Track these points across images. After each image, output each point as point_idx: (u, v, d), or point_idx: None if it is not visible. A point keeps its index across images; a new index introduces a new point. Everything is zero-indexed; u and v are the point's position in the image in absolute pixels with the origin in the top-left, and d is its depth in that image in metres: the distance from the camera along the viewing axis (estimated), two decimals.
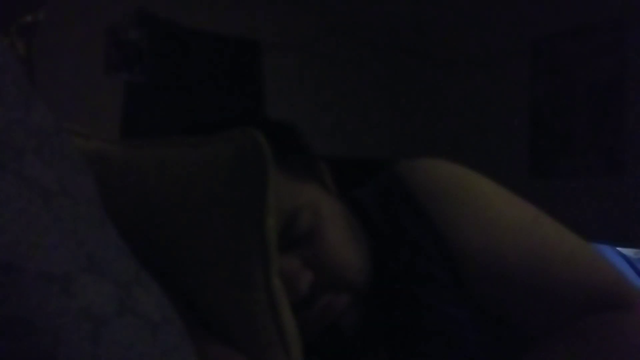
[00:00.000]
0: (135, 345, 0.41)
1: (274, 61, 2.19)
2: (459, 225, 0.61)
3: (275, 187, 0.51)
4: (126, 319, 0.42)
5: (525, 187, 0.66)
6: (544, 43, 1.86)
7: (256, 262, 0.51)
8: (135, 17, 1.91)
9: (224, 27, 2.09)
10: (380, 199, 0.66)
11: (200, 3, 2.04)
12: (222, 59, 2.15)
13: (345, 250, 0.60)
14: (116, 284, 0.42)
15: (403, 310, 0.60)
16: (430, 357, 0.59)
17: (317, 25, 2.26)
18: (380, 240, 0.64)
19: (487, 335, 0.60)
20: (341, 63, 2.35)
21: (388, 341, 0.61)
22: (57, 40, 1.69)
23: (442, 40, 2.22)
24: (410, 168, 0.66)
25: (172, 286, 0.52)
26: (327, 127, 2.24)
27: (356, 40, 2.34)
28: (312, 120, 2.13)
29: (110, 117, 1.86)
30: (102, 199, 0.48)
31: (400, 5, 2.11)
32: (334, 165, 0.69)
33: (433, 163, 0.67)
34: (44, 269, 0.38)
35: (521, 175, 1.89)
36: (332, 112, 2.32)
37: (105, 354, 0.39)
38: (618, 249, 1.89)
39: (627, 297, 0.57)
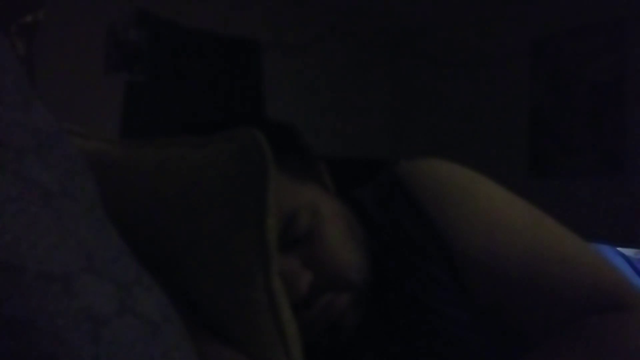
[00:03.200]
0: (135, 345, 0.41)
1: (274, 61, 2.19)
2: (459, 225, 0.61)
3: (275, 188, 0.51)
4: (126, 319, 0.42)
5: (525, 187, 0.66)
6: (544, 43, 1.85)
7: (256, 262, 0.51)
8: (135, 17, 1.91)
9: (224, 27, 2.09)
10: (380, 199, 0.66)
11: (200, 3, 2.04)
12: (222, 59, 2.14)
13: (344, 250, 0.60)
14: (116, 284, 0.42)
15: (402, 310, 0.60)
16: (430, 358, 0.59)
17: (317, 25, 2.26)
18: (380, 240, 0.64)
19: (487, 336, 0.60)
20: (341, 63, 2.35)
21: (388, 341, 0.61)
22: (57, 40, 1.69)
23: (442, 40, 2.22)
24: (410, 168, 0.66)
25: (173, 286, 0.52)
26: (327, 127, 2.24)
27: (356, 40, 2.34)
28: (312, 120, 2.13)
29: (110, 117, 1.86)
30: (102, 199, 0.48)
31: (401, 5, 2.11)
32: (334, 165, 0.69)
33: (433, 163, 0.67)
34: (44, 269, 0.38)
35: (521, 175, 1.89)
36: (332, 112, 2.32)
37: (105, 354, 0.39)
38: (618, 249, 1.88)
39: (628, 298, 0.57)
